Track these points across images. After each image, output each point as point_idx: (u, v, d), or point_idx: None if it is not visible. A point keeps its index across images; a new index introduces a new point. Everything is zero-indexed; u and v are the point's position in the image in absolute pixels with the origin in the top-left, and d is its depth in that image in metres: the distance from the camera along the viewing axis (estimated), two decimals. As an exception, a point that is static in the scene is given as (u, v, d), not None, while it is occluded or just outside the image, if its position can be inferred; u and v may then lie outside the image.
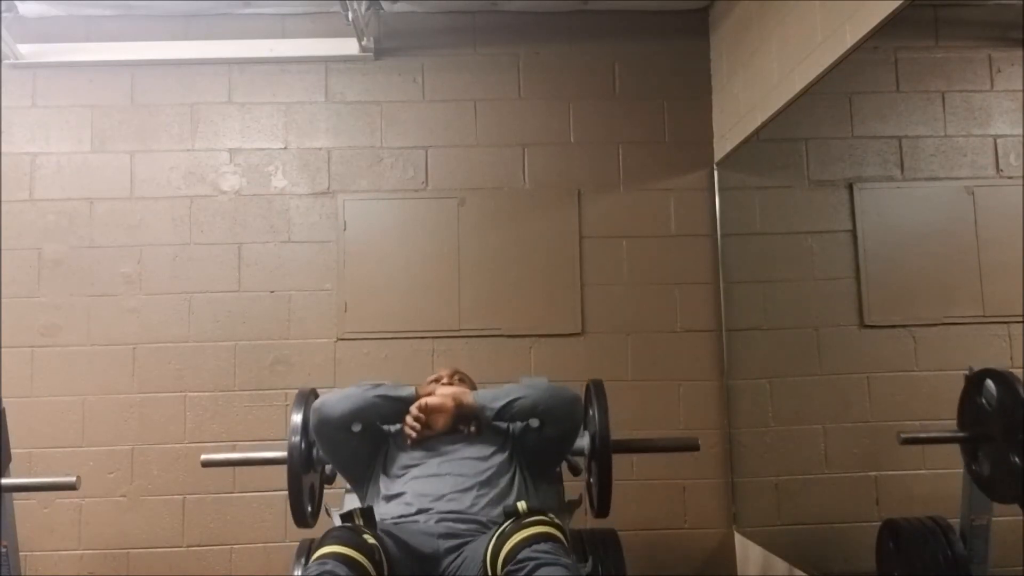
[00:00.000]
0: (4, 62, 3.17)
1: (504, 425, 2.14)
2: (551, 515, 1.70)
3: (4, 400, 2.46)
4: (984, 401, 1.92)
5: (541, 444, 2.08)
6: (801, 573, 2.62)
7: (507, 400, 2.03)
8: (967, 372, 1.99)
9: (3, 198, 3.15)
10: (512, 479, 2.03)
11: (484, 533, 1.80)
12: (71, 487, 2.32)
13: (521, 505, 1.73)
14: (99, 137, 3.22)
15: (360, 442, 2.10)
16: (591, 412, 2.22)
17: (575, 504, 2.24)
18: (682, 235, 3.25)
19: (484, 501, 1.92)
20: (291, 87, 3.28)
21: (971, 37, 2.28)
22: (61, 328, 3.12)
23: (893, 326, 2.44)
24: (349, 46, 3.22)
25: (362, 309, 3.17)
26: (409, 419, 2.09)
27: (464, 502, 1.91)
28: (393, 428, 2.19)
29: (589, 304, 3.20)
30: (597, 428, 2.15)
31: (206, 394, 3.11)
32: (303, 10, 3.26)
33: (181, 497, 3.05)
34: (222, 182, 3.23)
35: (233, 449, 3.05)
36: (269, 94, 3.27)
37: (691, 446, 2.40)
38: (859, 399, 2.53)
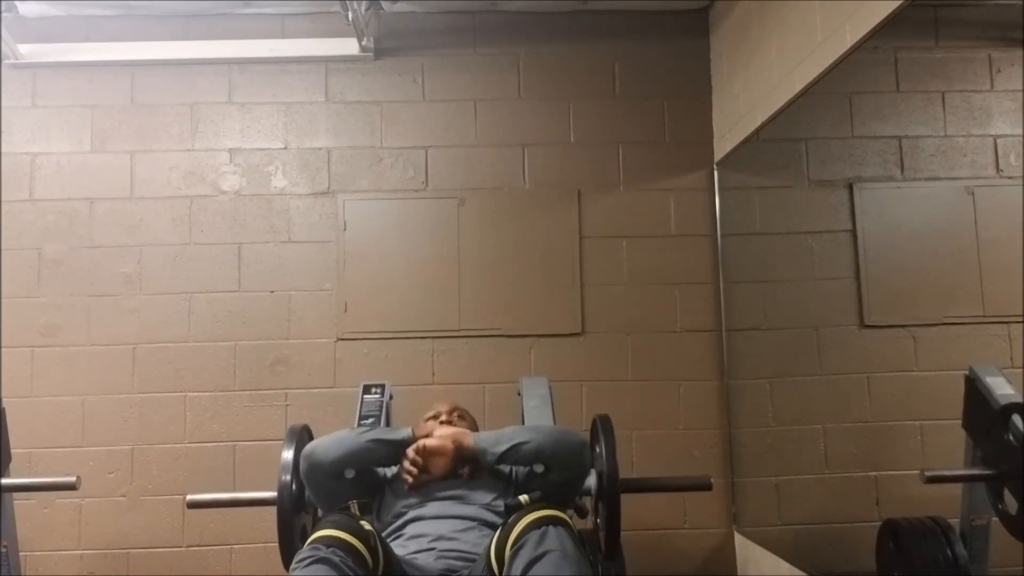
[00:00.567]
0: (4, 62, 3.17)
1: (507, 469, 2.04)
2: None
3: (4, 400, 2.47)
4: (1011, 438, 1.80)
5: (547, 489, 1.91)
6: (801, 573, 2.62)
7: (511, 444, 1.94)
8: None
9: (3, 198, 3.15)
10: None
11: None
12: (71, 487, 2.33)
13: (523, 498, 1.71)
14: (99, 137, 3.22)
15: (353, 490, 1.99)
16: (598, 450, 2.11)
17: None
18: (682, 235, 3.25)
19: (488, 542, 1.78)
20: (291, 87, 3.28)
21: (971, 37, 2.28)
22: (61, 328, 3.12)
23: (893, 326, 2.44)
24: (349, 46, 3.22)
25: (362, 309, 3.16)
26: (406, 463, 1.99)
27: (466, 542, 1.83)
28: (389, 473, 2.11)
29: (589, 304, 3.20)
30: (605, 468, 2.04)
31: (206, 394, 3.11)
32: (303, 10, 3.26)
33: (181, 497, 3.04)
34: (222, 182, 3.23)
35: (233, 449, 3.06)
36: (269, 94, 3.27)
37: (703, 485, 2.27)
38: (859, 399, 2.52)
